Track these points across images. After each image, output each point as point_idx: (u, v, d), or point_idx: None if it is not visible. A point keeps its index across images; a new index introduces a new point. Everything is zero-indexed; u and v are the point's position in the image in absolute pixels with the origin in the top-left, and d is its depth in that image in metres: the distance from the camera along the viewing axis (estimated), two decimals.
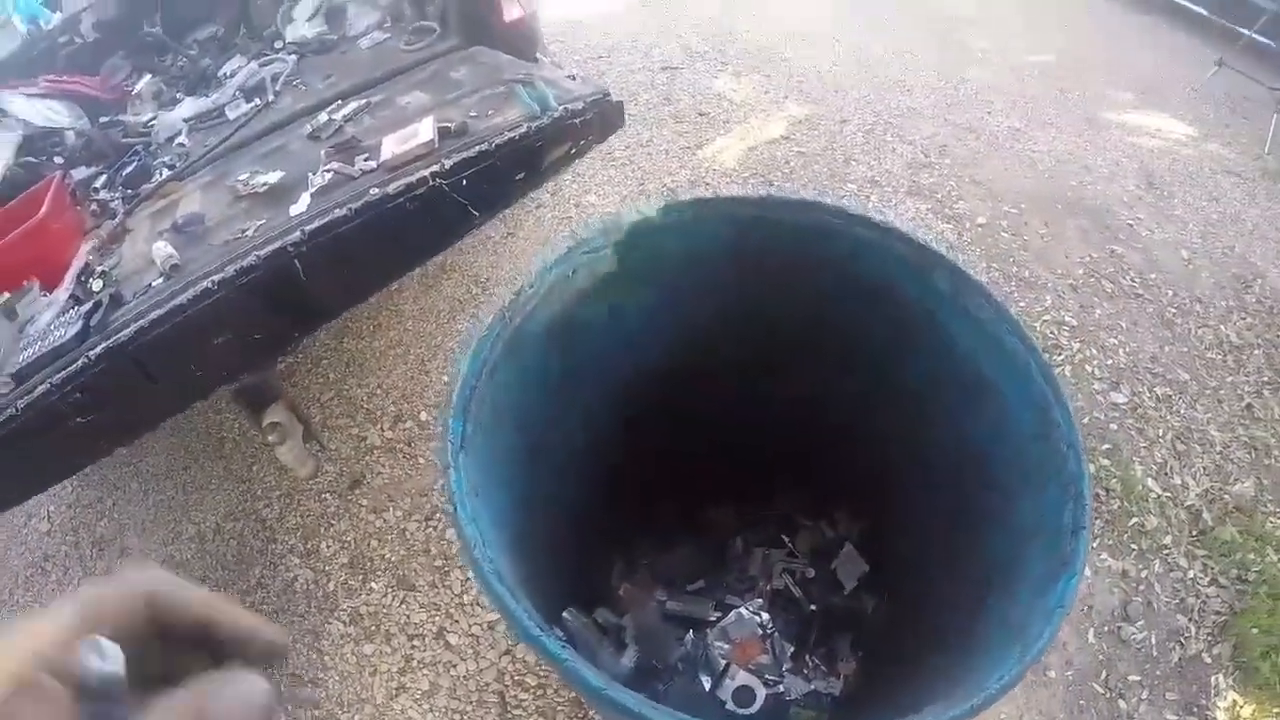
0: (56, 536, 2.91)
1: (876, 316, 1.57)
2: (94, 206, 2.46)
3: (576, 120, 1.86)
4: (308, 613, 2.39)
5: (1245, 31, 5.57)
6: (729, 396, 1.78)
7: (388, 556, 2.47)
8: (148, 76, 3.18)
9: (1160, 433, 2.81)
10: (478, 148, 1.77)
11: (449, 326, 3.11)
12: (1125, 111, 5.13)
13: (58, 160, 2.81)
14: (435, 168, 1.74)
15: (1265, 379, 3.08)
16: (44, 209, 2.12)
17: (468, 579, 2.37)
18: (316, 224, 1.73)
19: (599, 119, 1.91)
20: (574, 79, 2.01)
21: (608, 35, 5.89)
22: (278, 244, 1.73)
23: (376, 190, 1.74)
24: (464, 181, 1.74)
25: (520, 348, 1.36)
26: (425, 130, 1.81)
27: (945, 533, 1.59)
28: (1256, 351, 3.21)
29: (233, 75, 2.90)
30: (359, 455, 2.75)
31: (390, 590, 2.39)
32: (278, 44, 2.99)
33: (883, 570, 1.91)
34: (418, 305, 3.18)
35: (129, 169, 2.59)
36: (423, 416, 2.83)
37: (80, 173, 2.71)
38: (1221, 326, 3.30)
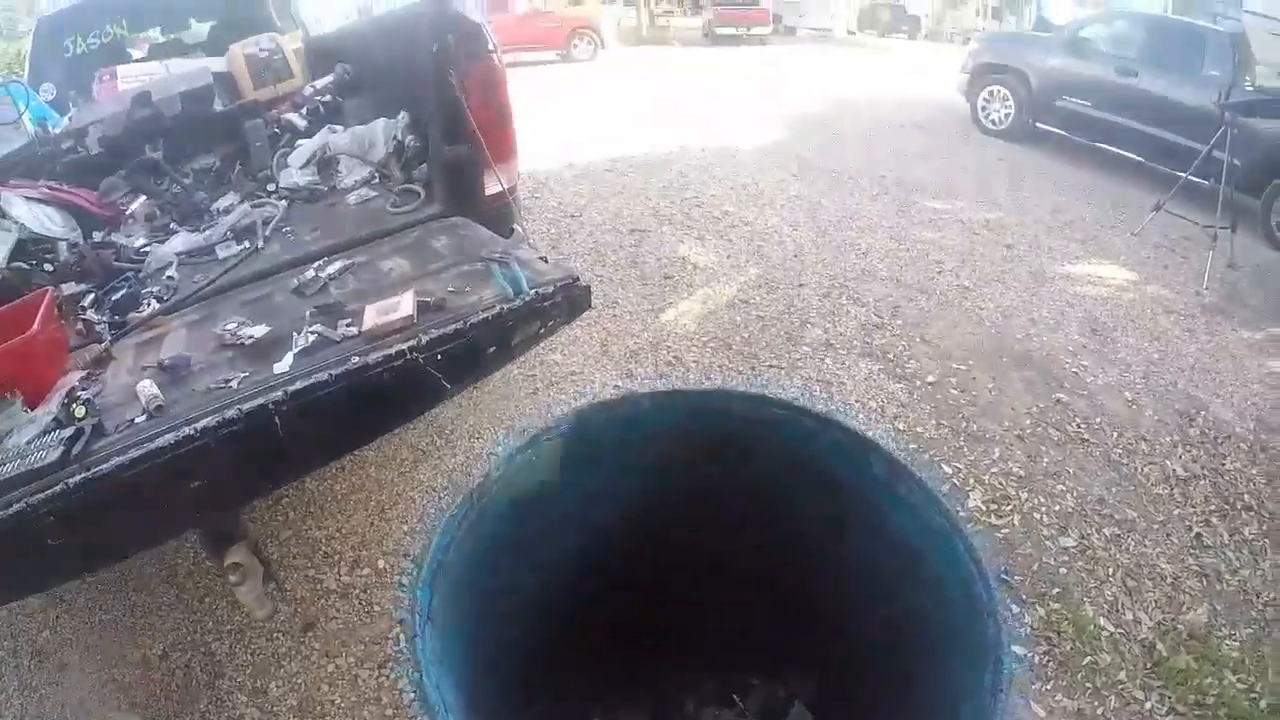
0: None
1: (818, 496, 1.73)
2: (80, 325, 2.54)
3: (546, 303, 2.01)
4: None
5: (1180, 174, 6.03)
6: (680, 564, 1.90)
7: (338, 702, 2.47)
8: (143, 198, 3.32)
9: (1110, 571, 2.92)
10: (454, 325, 1.90)
11: (411, 475, 3.18)
12: (1068, 262, 5.46)
13: (47, 269, 2.87)
14: (413, 342, 1.86)
15: (1212, 507, 3.24)
16: (36, 325, 2.16)
17: None
18: (298, 385, 1.82)
19: (567, 302, 2.06)
20: (546, 261, 2.18)
21: (579, 195, 6.25)
22: (261, 400, 1.81)
23: (357, 359, 1.85)
24: (439, 356, 1.86)
25: (483, 523, 1.49)
26: (406, 304, 1.95)
27: (887, 691, 1.70)
28: (1202, 482, 3.38)
29: (225, 211, 3.06)
30: (314, 598, 2.78)
31: None
32: (270, 186, 3.17)
33: None
34: (380, 452, 3.26)
35: (118, 294, 2.67)
36: (380, 564, 2.85)
37: (69, 287, 2.76)
38: (1167, 461, 3.48)
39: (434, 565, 1.35)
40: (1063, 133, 8.36)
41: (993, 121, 8.99)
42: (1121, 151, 7.74)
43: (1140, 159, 7.51)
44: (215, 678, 2.61)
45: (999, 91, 8.88)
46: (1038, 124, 8.60)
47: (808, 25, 24.15)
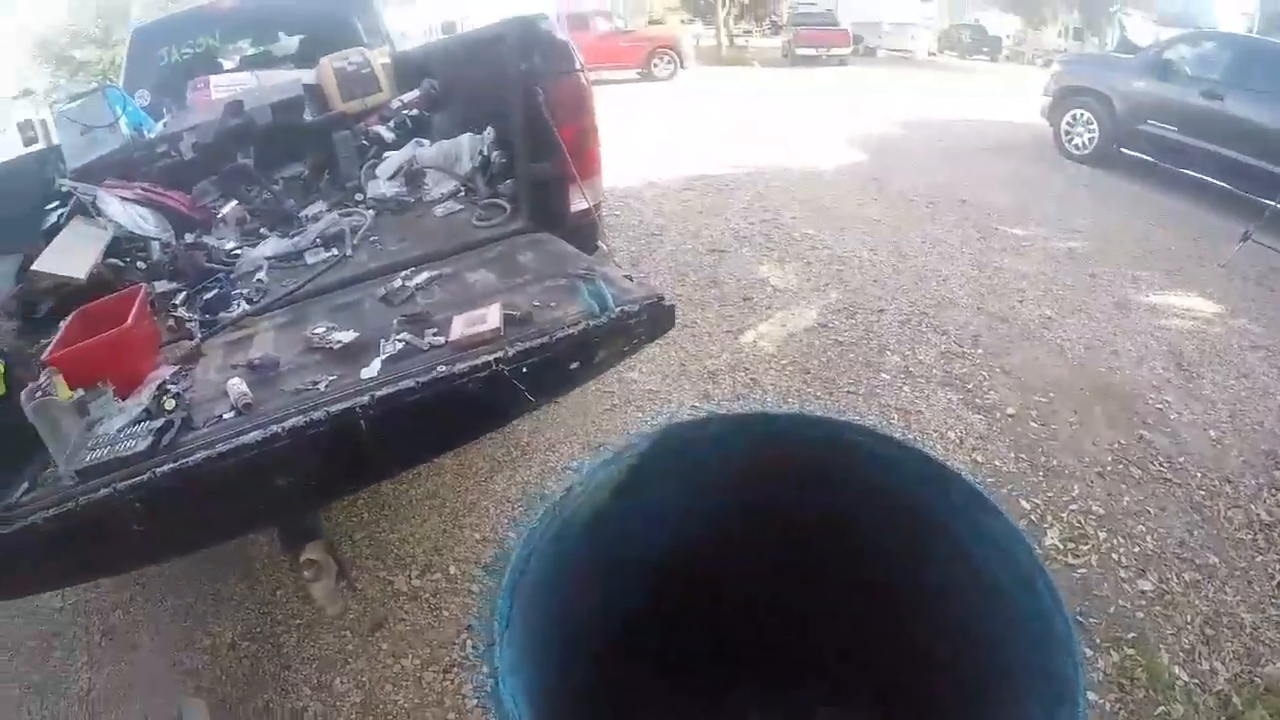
0: (67, 615, 2.98)
1: (896, 524, 1.70)
2: (170, 322, 2.63)
3: (631, 321, 2.02)
4: None
5: (1269, 202, 5.79)
6: (754, 585, 1.88)
7: (401, 703, 2.49)
8: (234, 203, 3.43)
9: (1188, 618, 2.80)
10: (539, 339, 1.92)
11: (486, 485, 3.22)
12: (1153, 293, 5.29)
13: (140, 266, 3.00)
14: (499, 354, 1.88)
15: None
16: (130, 319, 2.26)
17: None
18: (385, 391, 1.86)
19: (651, 321, 2.06)
20: (630, 279, 2.19)
21: (660, 214, 6.29)
22: (348, 404, 1.85)
23: (444, 368, 1.88)
24: (524, 369, 1.89)
25: (565, 538, 1.49)
26: (493, 317, 1.98)
27: None
28: None
29: (314, 219, 3.15)
30: (384, 599, 2.83)
31: None
32: (358, 196, 3.26)
33: None
34: (457, 460, 3.31)
35: (209, 294, 2.77)
36: (451, 570, 2.88)
37: (161, 285, 2.88)
38: (1252, 505, 3.33)
39: (516, 574, 1.36)
40: (1148, 158, 8.10)
41: (1076, 146, 8.77)
42: (1208, 178, 7.47)
43: (1228, 186, 7.24)
44: (282, 669, 2.66)
45: (1082, 115, 8.67)
46: (1122, 149, 8.36)
47: (887, 47, 24.01)
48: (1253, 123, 6.91)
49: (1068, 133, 8.86)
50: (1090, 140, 8.62)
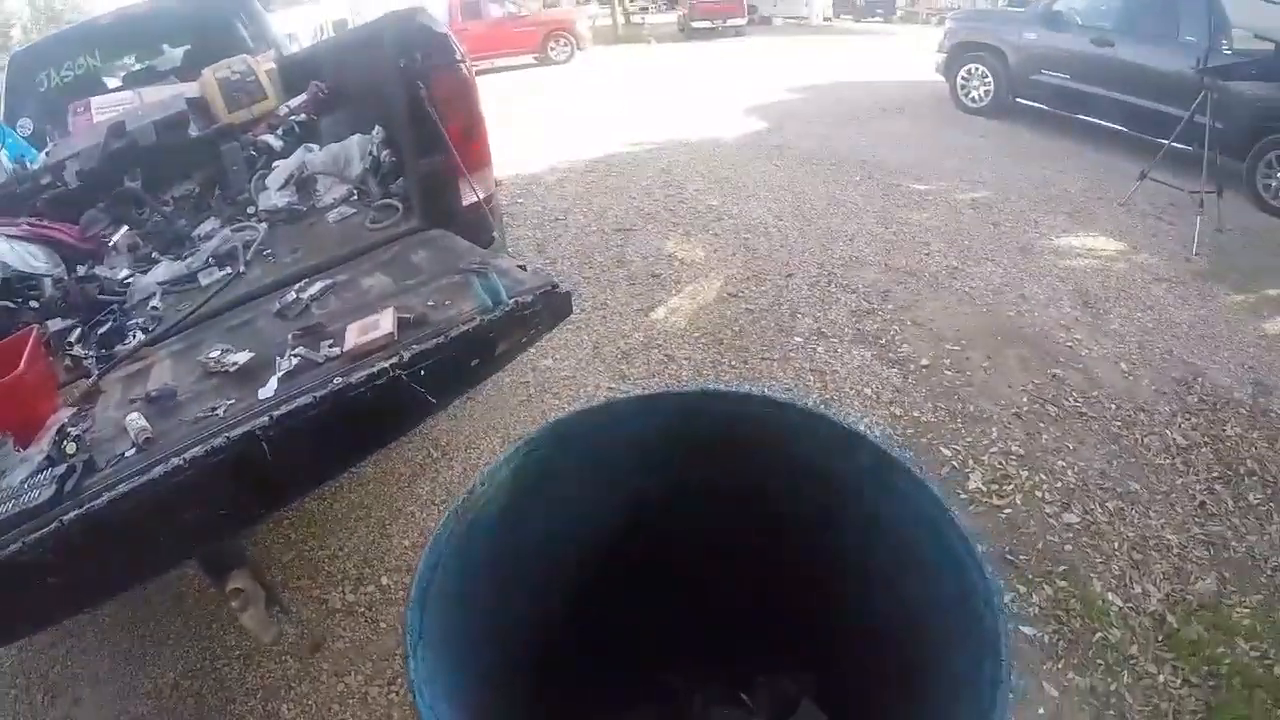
0: (5, 678, 2.87)
1: (809, 491, 1.71)
2: (67, 361, 2.53)
3: (526, 312, 1.99)
4: None
5: (1164, 141, 6.01)
6: (677, 566, 1.88)
7: None
8: (124, 229, 3.30)
9: (1116, 545, 2.91)
10: (434, 340, 1.88)
11: (409, 490, 3.20)
12: (1057, 236, 5.47)
13: (33, 306, 2.87)
14: (395, 359, 1.84)
15: (1215, 474, 3.23)
16: (23, 364, 2.15)
17: None
18: (283, 410, 1.80)
19: (548, 310, 2.04)
20: (524, 269, 2.16)
21: (563, 198, 6.27)
22: (246, 427, 1.79)
23: (340, 379, 1.83)
24: (422, 371, 1.85)
25: (473, 541, 1.48)
26: (386, 322, 1.94)
27: (889, 683, 1.69)
28: (1204, 449, 3.37)
29: (206, 238, 3.05)
30: (320, 618, 2.78)
31: None
32: (250, 209, 3.16)
33: None
34: (378, 468, 3.27)
35: (104, 328, 2.67)
36: (384, 580, 2.88)
37: (55, 324, 2.76)
38: (1167, 431, 3.47)
39: (423, 585, 1.34)
40: (1043, 107, 8.37)
41: (973, 100, 9.00)
42: (1103, 122, 7.74)
43: (1123, 129, 7.50)
44: (227, 703, 2.60)
45: (977, 70, 8.90)
46: (1018, 100, 8.62)
47: (783, 14, 24.20)
48: (1143, 66, 7.16)
49: (963, 87, 9.08)
50: (986, 93, 8.85)
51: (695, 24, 20.75)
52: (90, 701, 2.71)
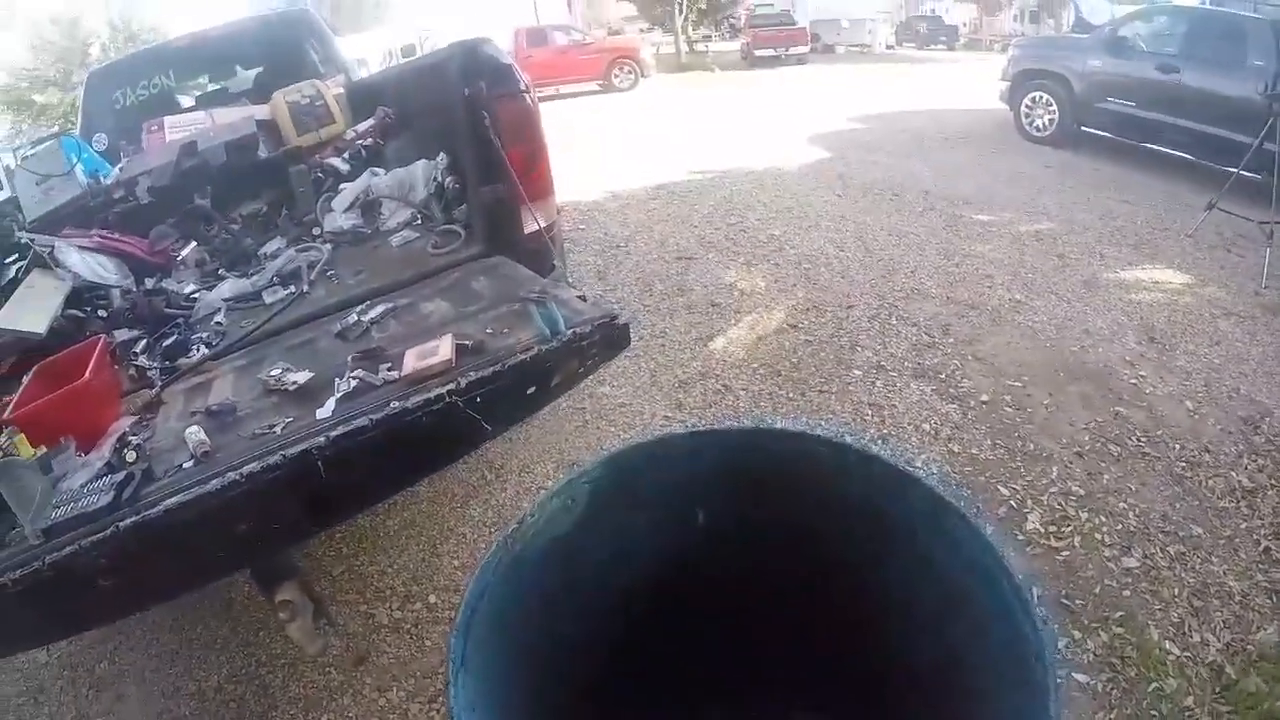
0: (53, 669, 2.95)
1: (860, 531, 1.68)
2: (131, 371, 2.61)
3: (584, 343, 2.00)
4: None
5: (1232, 170, 5.83)
6: (723, 602, 1.86)
7: None
8: (192, 245, 3.41)
9: (1176, 592, 2.81)
10: (491, 368, 1.90)
11: (461, 511, 3.23)
12: (1122, 269, 5.32)
13: (101, 316, 2.97)
14: (451, 385, 1.86)
15: None
16: (89, 373, 2.23)
17: None
18: (340, 431, 1.83)
19: (605, 341, 2.04)
20: (584, 299, 2.17)
21: (625, 224, 6.31)
22: (304, 446, 1.82)
23: (397, 404, 1.85)
24: (478, 399, 1.86)
25: (520, 570, 1.48)
26: (445, 348, 1.96)
27: None
28: (1270, 493, 3.23)
29: (272, 256, 3.13)
30: (366, 633, 2.81)
31: None
32: (315, 231, 3.24)
33: None
34: (432, 488, 3.30)
35: (169, 341, 2.74)
36: (431, 599, 2.89)
37: (121, 334, 2.86)
38: (1232, 473, 3.34)
39: (468, 613, 1.34)
40: (1109, 135, 8.19)
41: (1037, 128, 8.86)
42: (1170, 150, 7.56)
43: (1190, 157, 7.32)
44: (269, 710, 2.63)
45: (1041, 98, 8.75)
46: (1083, 128, 8.44)
47: (846, 42, 24.17)
48: (1209, 92, 6.99)
49: (1027, 115, 8.94)
50: (1050, 121, 8.70)
51: (758, 52, 20.80)
52: (135, 698, 2.77)
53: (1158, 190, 7.10)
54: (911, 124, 10.34)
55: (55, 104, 20.11)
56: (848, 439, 1.64)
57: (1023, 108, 8.98)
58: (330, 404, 1.97)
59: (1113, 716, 2.41)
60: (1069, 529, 3.08)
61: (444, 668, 2.55)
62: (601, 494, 1.56)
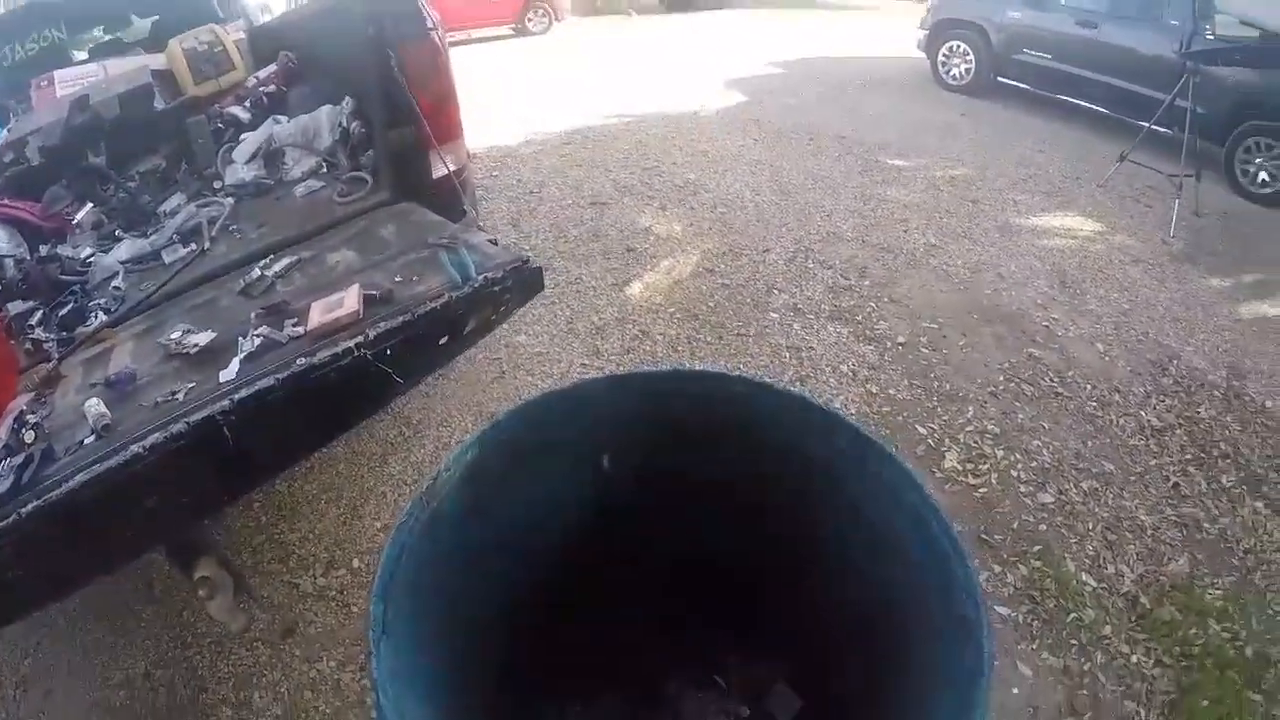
0: None
1: (785, 474, 1.68)
2: (28, 345, 2.48)
3: (496, 288, 1.96)
4: None
5: (1144, 124, 6.02)
6: (650, 550, 1.85)
7: (322, 709, 2.43)
8: (89, 206, 3.22)
9: (1090, 526, 2.91)
10: (401, 318, 1.84)
11: (381, 470, 3.16)
12: (1035, 215, 5.46)
13: None
14: (360, 338, 1.80)
15: (1188, 456, 3.24)
16: None
17: None
18: (244, 392, 1.76)
19: (519, 286, 2.01)
20: (495, 243, 2.12)
21: (538, 170, 6.18)
22: (207, 411, 1.75)
23: (303, 360, 1.78)
24: (388, 350, 1.81)
25: (438, 528, 1.43)
26: (351, 299, 1.89)
27: (868, 672, 1.67)
28: (1178, 431, 3.38)
29: (172, 213, 2.96)
30: (291, 603, 2.74)
31: None
32: (216, 184, 3.07)
33: (815, 708, 1.96)
34: (348, 448, 3.22)
35: (65, 310, 2.60)
36: (355, 564, 2.83)
37: (15, 306, 2.69)
38: (1141, 412, 3.47)
39: (386, 576, 1.29)
40: (1025, 86, 8.33)
41: (954, 77, 8.96)
42: (1084, 103, 7.72)
43: (1103, 110, 7.49)
44: (199, 692, 2.56)
45: (959, 47, 8.84)
46: (999, 78, 8.57)
47: None
48: (1126, 49, 7.12)
49: (944, 64, 9.04)
50: (967, 71, 8.81)
51: None
52: (62, 692, 2.67)
53: (1071, 140, 7.28)
54: (830, 70, 10.33)
55: None
56: (769, 380, 1.62)
57: (940, 56, 9.06)
58: (234, 365, 1.89)
59: (1034, 647, 2.50)
60: (985, 466, 3.17)
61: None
62: (517, 445, 1.52)
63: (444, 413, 3.48)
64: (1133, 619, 2.59)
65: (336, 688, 2.48)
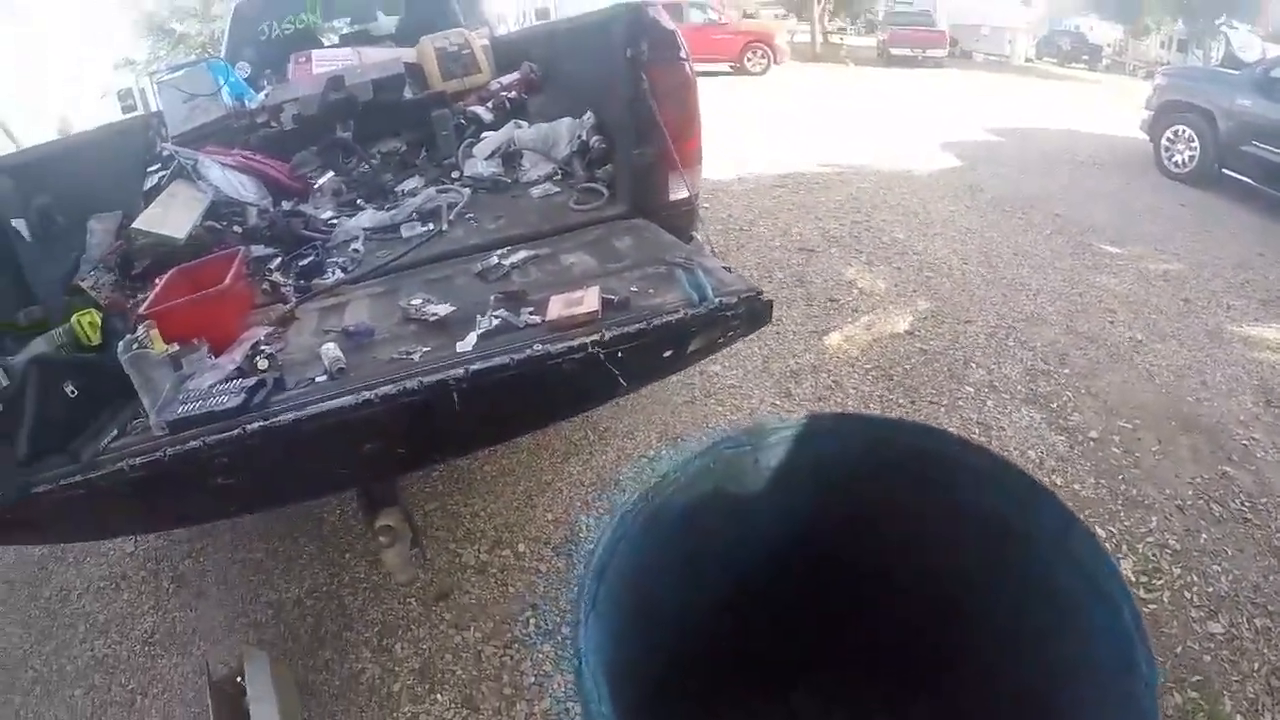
0: (138, 560, 3.08)
1: (981, 536, 1.65)
2: (265, 285, 2.71)
3: (728, 313, 2.00)
4: (367, 707, 2.42)
5: None
6: (834, 589, 1.85)
7: (459, 674, 2.51)
8: (331, 174, 3.52)
9: (1255, 667, 2.65)
10: (637, 325, 1.92)
11: (560, 466, 3.27)
12: (1248, 324, 5.05)
13: (237, 230, 3.08)
14: (596, 336, 1.88)
15: None
16: (228, 280, 2.34)
17: (532, 713, 2.38)
18: (480, 366, 1.87)
19: (748, 315, 2.05)
20: (729, 271, 2.17)
21: (749, 209, 6.27)
22: (442, 375, 1.86)
23: (540, 346, 1.89)
24: (619, 354, 1.89)
25: (656, 525, 1.48)
26: (591, 299, 1.99)
27: None
28: None
29: (409, 194, 3.21)
30: (451, 570, 2.86)
31: (454, 707, 2.41)
32: (455, 174, 3.31)
33: None
34: (534, 439, 3.35)
35: (304, 261, 2.84)
36: (520, 548, 2.93)
37: (258, 250, 2.96)
38: None
39: (606, 556, 1.35)
40: (1251, 181, 7.74)
41: (1176, 164, 8.39)
42: None
43: None
44: (344, 629, 2.68)
45: (1184, 132, 8.30)
46: (1224, 169, 7.98)
47: (984, 50, 23.30)
48: None
49: (1168, 149, 8.49)
50: (1191, 158, 8.24)
51: (894, 50, 20.18)
52: (213, 599, 2.87)
53: None
54: (1047, 142, 9.92)
55: (194, 34, 20.88)
56: (985, 445, 1.60)
57: (1164, 140, 8.53)
58: (472, 338, 2.01)
59: None
60: (1160, 582, 2.96)
61: (524, 615, 2.63)
62: (741, 462, 1.56)
63: (630, 425, 3.57)
64: None
65: (477, 658, 2.55)
